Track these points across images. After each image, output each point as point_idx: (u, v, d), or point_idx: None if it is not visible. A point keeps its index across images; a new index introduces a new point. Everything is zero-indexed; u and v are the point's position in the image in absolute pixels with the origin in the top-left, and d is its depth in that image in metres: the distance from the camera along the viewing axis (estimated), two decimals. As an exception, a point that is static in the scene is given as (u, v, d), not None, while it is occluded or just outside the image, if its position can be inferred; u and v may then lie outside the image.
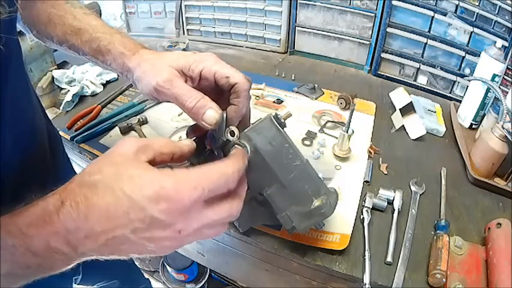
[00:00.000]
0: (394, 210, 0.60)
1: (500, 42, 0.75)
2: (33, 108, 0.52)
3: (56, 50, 0.92)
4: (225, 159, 0.36)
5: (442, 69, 0.95)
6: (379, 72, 1.05)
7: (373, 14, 0.98)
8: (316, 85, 0.94)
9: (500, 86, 0.72)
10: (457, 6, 0.88)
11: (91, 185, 0.30)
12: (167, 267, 1.34)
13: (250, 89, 0.46)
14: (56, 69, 0.96)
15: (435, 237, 0.55)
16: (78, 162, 0.79)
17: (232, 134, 0.42)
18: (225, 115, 0.43)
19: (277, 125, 0.45)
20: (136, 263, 1.27)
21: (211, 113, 0.42)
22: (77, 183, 0.31)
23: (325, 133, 0.78)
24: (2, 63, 0.38)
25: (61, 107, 0.86)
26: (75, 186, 0.31)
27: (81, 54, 0.52)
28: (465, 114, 0.83)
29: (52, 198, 0.30)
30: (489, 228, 0.55)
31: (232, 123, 0.45)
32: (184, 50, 1.00)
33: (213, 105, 0.43)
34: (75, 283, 0.79)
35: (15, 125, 0.44)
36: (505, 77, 0.72)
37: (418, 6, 0.91)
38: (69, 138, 0.75)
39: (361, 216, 0.59)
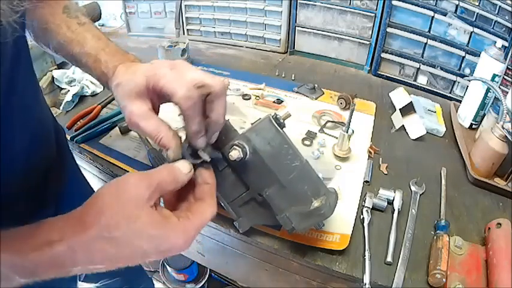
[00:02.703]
0: (394, 210, 0.60)
1: (500, 42, 0.75)
2: (41, 105, 0.54)
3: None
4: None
5: (442, 69, 0.95)
6: (379, 72, 1.05)
7: (373, 14, 0.98)
8: (316, 85, 0.94)
9: (500, 86, 0.72)
10: (457, 6, 0.88)
11: (111, 240, 0.32)
12: (167, 267, 1.34)
13: (193, 107, 0.40)
14: (56, 69, 0.96)
15: (435, 237, 0.55)
16: (78, 162, 0.79)
17: (199, 156, 0.42)
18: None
19: (276, 126, 0.45)
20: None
21: (169, 153, 0.42)
22: (95, 237, 0.31)
23: (325, 133, 0.78)
24: (12, 61, 0.39)
25: (61, 107, 0.86)
26: (93, 240, 0.31)
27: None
28: (465, 114, 0.83)
29: (61, 246, 0.31)
30: (489, 228, 0.55)
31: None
32: (184, 50, 1.00)
33: (172, 144, 0.41)
34: (79, 280, 0.80)
35: (25, 121, 0.45)
36: (505, 77, 0.72)
37: (418, 6, 0.91)
38: (69, 138, 0.75)
39: (361, 216, 0.59)
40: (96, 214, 0.32)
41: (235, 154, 0.44)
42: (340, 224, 0.57)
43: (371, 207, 0.60)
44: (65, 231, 0.31)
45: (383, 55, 1.02)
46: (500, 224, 0.53)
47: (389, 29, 0.97)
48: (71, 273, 0.32)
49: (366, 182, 0.67)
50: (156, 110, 0.45)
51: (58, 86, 0.92)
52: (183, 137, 0.45)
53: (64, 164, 0.62)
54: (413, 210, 0.61)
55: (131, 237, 0.32)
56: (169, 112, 0.51)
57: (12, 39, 0.34)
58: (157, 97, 0.44)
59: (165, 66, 0.42)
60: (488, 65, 0.75)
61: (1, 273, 0.30)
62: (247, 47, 1.20)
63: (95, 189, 0.76)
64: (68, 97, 0.86)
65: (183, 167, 0.39)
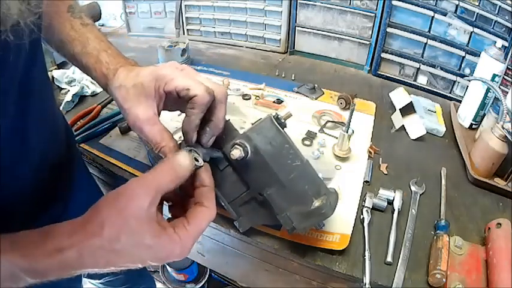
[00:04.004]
0: (394, 210, 0.60)
1: (500, 42, 0.75)
2: (54, 102, 0.55)
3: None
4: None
5: (442, 69, 0.95)
6: (379, 72, 1.05)
7: (373, 14, 0.98)
8: (316, 85, 0.94)
9: (500, 86, 0.72)
10: (457, 6, 0.88)
11: (113, 251, 0.33)
12: (167, 267, 1.34)
13: (207, 103, 0.42)
14: (56, 69, 0.96)
15: (435, 237, 0.55)
16: (78, 162, 0.79)
17: (196, 160, 0.42)
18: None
19: (278, 125, 0.45)
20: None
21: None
22: (98, 247, 0.33)
23: (325, 133, 0.78)
24: (29, 59, 0.40)
25: (61, 107, 0.85)
26: (97, 249, 0.33)
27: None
28: (465, 114, 0.83)
29: (71, 252, 0.32)
30: (489, 228, 0.55)
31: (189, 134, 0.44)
32: (184, 50, 1.00)
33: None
34: (83, 277, 0.81)
35: (41, 116, 0.46)
36: (505, 77, 0.72)
37: (418, 6, 0.91)
38: (69, 138, 0.76)
39: (361, 216, 0.59)
40: (99, 226, 0.33)
41: (236, 153, 0.44)
42: (340, 224, 0.57)
43: (371, 207, 0.60)
44: (73, 237, 0.33)
45: (383, 55, 1.02)
46: (500, 224, 0.53)
47: (389, 29, 0.97)
48: (76, 274, 0.34)
49: (366, 182, 0.67)
50: (158, 114, 0.46)
51: (58, 86, 0.92)
52: (183, 137, 0.45)
53: (73, 162, 0.63)
54: (413, 210, 0.61)
55: (131, 248, 0.34)
56: (168, 112, 0.51)
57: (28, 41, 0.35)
58: (161, 100, 0.45)
59: (174, 68, 0.44)
60: (488, 65, 0.75)
61: (13, 274, 0.31)
62: (247, 47, 1.20)
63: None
64: (68, 97, 0.86)
65: (183, 161, 0.39)
